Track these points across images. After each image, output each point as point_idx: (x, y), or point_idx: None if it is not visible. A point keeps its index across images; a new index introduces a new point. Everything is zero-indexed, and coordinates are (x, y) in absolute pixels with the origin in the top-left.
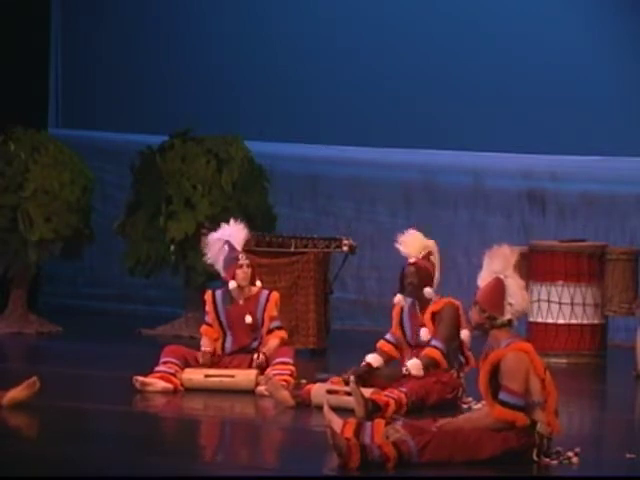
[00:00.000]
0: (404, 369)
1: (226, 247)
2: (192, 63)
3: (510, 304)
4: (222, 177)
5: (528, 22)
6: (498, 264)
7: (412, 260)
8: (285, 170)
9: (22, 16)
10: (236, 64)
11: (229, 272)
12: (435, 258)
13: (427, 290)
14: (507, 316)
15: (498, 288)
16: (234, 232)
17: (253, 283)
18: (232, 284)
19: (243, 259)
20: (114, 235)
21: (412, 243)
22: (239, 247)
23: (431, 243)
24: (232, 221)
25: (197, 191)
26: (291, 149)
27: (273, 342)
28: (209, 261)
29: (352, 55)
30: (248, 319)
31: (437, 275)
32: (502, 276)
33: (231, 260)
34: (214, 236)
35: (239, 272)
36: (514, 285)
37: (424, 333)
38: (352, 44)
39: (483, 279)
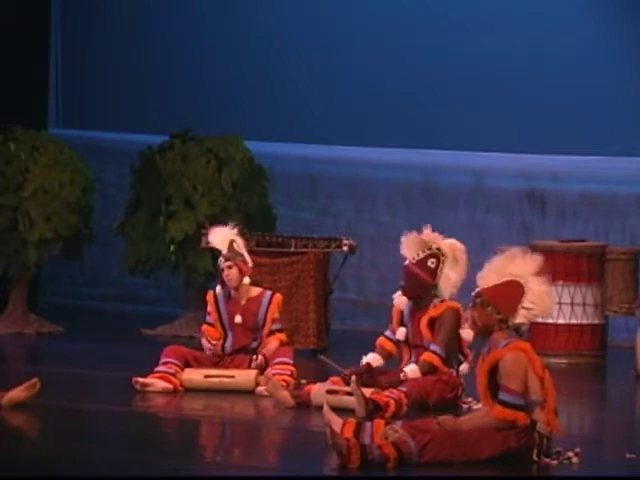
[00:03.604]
0: (402, 375)
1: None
2: (192, 63)
3: (528, 308)
4: (222, 177)
5: (528, 22)
6: (518, 269)
7: (405, 263)
8: (285, 170)
9: (22, 16)
10: (236, 64)
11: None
12: (447, 259)
13: (397, 295)
14: (519, 319)
15: (516, 291)
16: (212, 238)
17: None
18: (217, 289)
19: (223, 263)
20: (114, 235)
21: (406, 244)
22: (224, 250)
23: (439, 244)
24: (214, 228)
25: (197, 191)
26: (291, 149)
27: (272, 344)
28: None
29: (352, 55)
30: (238, 319)
31: (449, 277)
32: (522, 280)
33: (218, 265)
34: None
35: (223, 275)
36: (539, 292)
37: (401, 333)
38: (352, 44)
39: (490, 279)
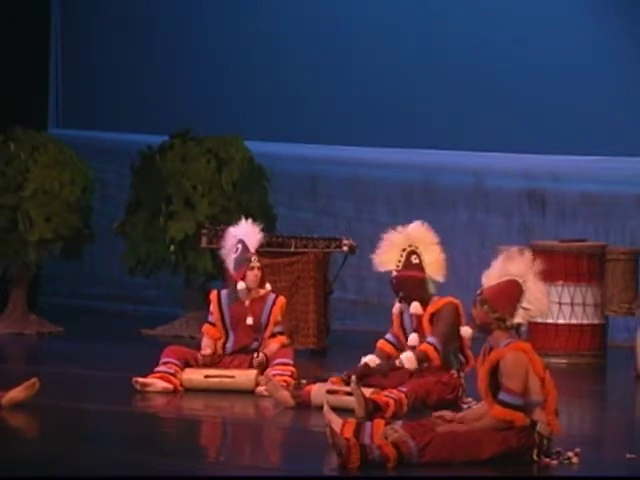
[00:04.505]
0: (397, 361)
1: (239, 246)
2: (192, 63)
3: (526, 308)
4: (222, 177)
5: (528, 22)
6: (517, 267)
7: (393, 274)
8: (285, 170)
9: (22, 16)
10: (236, 64)
11: (239, 272)
12: (424, 251)
13: (413, 306)
14: (517, 319)
15: (513, 290)
16: (250, 232)
17: (262, 286)
18: (241, 285)
19: (255, 261)
20: (114, 235)
21: (383, 259)
22: (253, 249)
23: (407, 239)
24: (249, 221)
25: (197, 191)
26: (291, 149)
27: (273, 346)
28: (222, 255)
29: (352, 55)
30: (249, 321)
31: (432, 260)
32: (520, 280)
33: (243, 261)
34: (231, 231)
35: (250, 274)
36: (535, 291)
37: (413, 339)
38: (352, 44)
39: (492, 278)
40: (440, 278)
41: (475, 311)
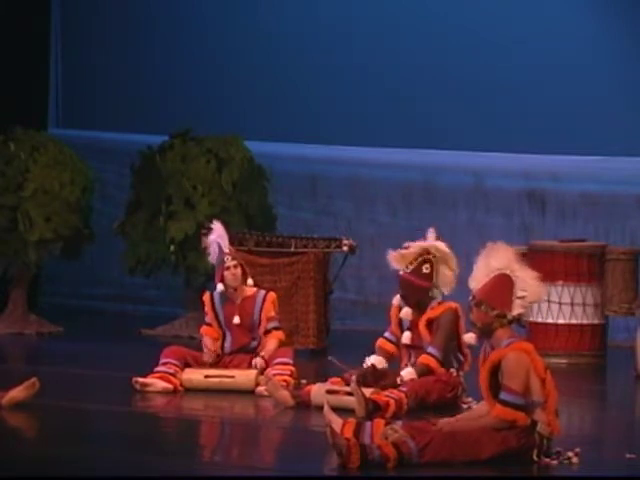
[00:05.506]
0: (398, 379)
1: (216, 249)
2: (192, 63)
3: (521, 297)
4: (222, 177)
5: (528, 22)
6: (499, 261)
7: (400, 273)
8: (285, 170)
9: (22, 16)
10: (236, 64)
11: (218, 275)
12: (438, 261)
13: (404, 310)
14: (516, 310)
15: (504, 284)
16: (222, 234)
17: (244, 282)
18: (219, 287)
19: (229, 261)
20: (114, 235)
21: (398, 258)
22: (226, 248)
23: (427, 246)
24: (217, 222)
25: (197, 191)
26: (291, 149)
27: (271, 344)
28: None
29: (352, 55)
30: (236, 320)
31: (445, 274)
32: (507, 271)
33: (219, 263)
34: (210, 238)
35: (227, 274)
36: (525, 277)
37: (406, 337)
38: (352, 44)
39: (478, 279)
40: (446, 291)
41: (473, 315)
